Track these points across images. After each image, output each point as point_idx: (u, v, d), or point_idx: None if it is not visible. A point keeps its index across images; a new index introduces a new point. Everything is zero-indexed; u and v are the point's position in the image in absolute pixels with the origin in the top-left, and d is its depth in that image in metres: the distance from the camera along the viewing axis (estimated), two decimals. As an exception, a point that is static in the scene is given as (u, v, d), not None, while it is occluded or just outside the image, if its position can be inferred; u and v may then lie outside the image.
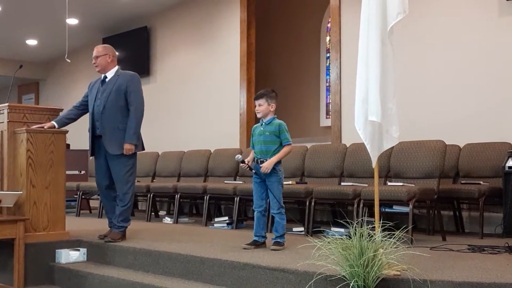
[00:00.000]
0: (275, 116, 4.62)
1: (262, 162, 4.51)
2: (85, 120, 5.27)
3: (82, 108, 5.29)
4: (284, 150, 4.53)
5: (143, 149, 5.24)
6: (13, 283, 4.75)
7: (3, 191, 5.06)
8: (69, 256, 4.99)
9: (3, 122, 5.14)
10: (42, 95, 13.66)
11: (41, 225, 5.06)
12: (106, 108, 5.03)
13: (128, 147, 4.99)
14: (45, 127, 5.11)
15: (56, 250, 5.03)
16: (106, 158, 5.09)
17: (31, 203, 5.01)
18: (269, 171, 4.46)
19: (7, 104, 5.12)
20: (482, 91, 5.97)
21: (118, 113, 5.03)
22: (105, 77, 5.18)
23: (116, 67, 5.21)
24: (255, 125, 4.73)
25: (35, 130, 5.04)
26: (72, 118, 5.28)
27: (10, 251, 4.79)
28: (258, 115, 4.64)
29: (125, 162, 5.03)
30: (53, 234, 5.11)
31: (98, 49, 5.22)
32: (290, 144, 4.56)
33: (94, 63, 5.18)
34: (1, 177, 5.14)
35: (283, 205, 4.53)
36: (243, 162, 4.59)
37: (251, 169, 4.57)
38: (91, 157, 5.32)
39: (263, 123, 4.61)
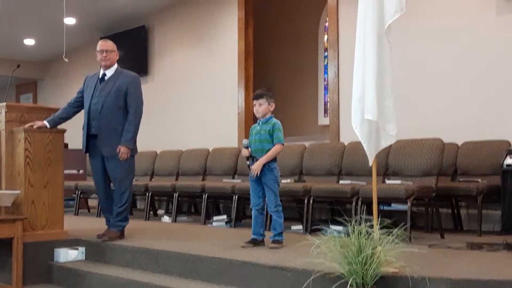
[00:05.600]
0: (272, 115, 4.63)
1: (256, 160, 4.52)
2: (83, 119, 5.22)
3: (76, 106, 5.18)
4: (274, 149, 4.51)
5: (137, 152, 5.15)
6: (12, 282, 4.74)
7: (1, 190, 5.05)
8: (67, 255, 4.99)
9: (0, 122, 5.12)
10: (40, 95, 13.65)
11: (40, 224, 5.06)
12: (104, 107, 4.96)
13: (123, 150, 4.91)
14: (34, 126, 5.02)
15: (55, 249, 5.02)
16: (102, 158, 5.04)
17: (29, 202, 5.00)
18: (258, 172, 4.47)
19: (4, 103, 5.10)
20: (480, 89, 5.98)
21: (116, 114, 4.96)
22: (104, 74, 5.10)
23: (116, 65, 5.15)
24: (253, 125, 4.72)
25: (33, 130, 5.02)
26: (66, 117, 5.17)
27: (9, 251, 4.78)
28: (258, 115, 4.61)
29: (122, 163, 4.97)
30: (52, 233, 5.11)
31: (109, 44, 5.12)
32: (281, 143, 4.54)
33: (106, 56, 5.03)
34: (-1, 177, 5.14)
35: (280, 203, 4.53)
36: (247, 148, 4.58)
37: (247, 159, 4.56)
38: (85, 154, 5.25)
39: (260, 122, 4.61)
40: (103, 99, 4.97)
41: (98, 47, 5.09)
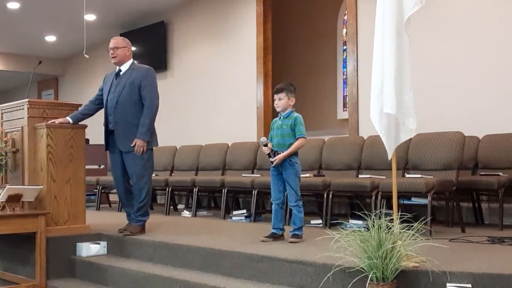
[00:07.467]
0: (294, 109, 4.62)
1: (278, 154, 4.52)
2: (103, 115, 5.27)
3: (98, 103, 5.25)
4: (297, 143, 4.52)
5: (157, 144, 5.18)
6: (35, 276, 4.82)
7: (24, 185, 5.13)
8: (89, 250, 5.05)
9: (23, 118, 5.20)
10: (62, 91, 13.79)
11: (62, 219, 5.13)
12: (119, 102, 5.01)
13: (140, 144, 4.92)
14: (56, 122, 5.10)
15: (77, 244, 5.09)
16: (121, 153, 5.09)
17: (52, 197, 5.07)
18: (279, 162, 4.46)
19: (27, 99, 5.17)
20: (501, 81, 5.90)
21: (132, 108, 4.99)
22: (120, 70, 5.15)
23: (131, 60, 5.18)
24: (274, 119, 4.73)
25: (55, 126, 5.09)
26: (88, 113, 5.24)
27: (32, 245, 4.86)
28: (278, 109, 4.62)
29: (139, 158, 5.00)
30: (74, 227, 5.18)
31: (118, 41, 5.16)
32: (304, 137, 4.55)
33: (113, 54, 5.09)
34: (22, 172, 5.21)
35: (301, 198, 4.54)
36: (266, 145, 4.58)
37: (269, 156, 4.56)
38: (106, 151, 5.31)
39: (282, 117, 4.62)
40: (117, 94, 5.02)
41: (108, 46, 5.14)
